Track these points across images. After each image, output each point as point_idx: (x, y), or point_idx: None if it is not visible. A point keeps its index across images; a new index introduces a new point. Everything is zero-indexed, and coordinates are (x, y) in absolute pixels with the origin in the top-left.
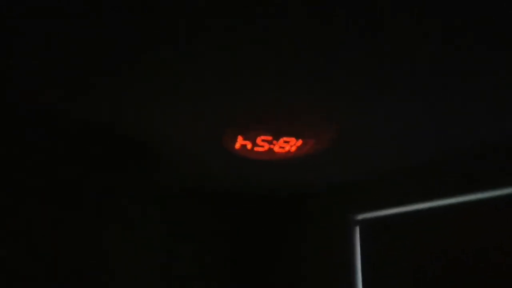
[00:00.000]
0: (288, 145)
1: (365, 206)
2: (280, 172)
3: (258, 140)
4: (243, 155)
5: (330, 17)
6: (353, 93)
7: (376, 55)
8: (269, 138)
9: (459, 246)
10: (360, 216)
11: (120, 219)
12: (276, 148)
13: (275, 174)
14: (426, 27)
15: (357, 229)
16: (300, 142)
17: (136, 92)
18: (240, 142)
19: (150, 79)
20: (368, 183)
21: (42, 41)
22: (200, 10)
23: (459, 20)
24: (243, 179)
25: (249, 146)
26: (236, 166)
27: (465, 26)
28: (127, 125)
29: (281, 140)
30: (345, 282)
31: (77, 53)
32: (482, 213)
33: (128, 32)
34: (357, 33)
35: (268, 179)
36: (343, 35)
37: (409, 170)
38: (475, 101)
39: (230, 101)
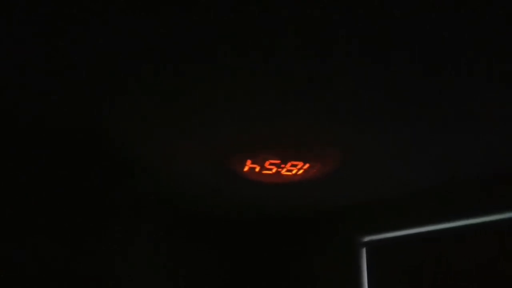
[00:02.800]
0: (296, 168)
1: (371, 228)
2: (287, 195)
3: (266, 164)
4: (251, 178)
5: (330, 49)
6: (358, 119)
7: (379, 82)
8: (277, 161)
9: (466, 269)
10: (367, 238)
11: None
12: (284, 171)
13: (282, 197)
14: (429, 57)
15: (364, 251)
16: (307, 165)
17: (143, 118)
18: (248, 165)
19: (157, 105)
20: (374, 205)
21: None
22: (212, 40)
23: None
24: (250, 203)
25: (257, 169)
26: (244, 190)
27: (474, 58)
28: (133, 150)
29: (289, 163)
30: None
31: (85, 77)
32: (489, 236)
33: (136, 53)
34: (360, 62)
35: (275, 202)
36: (346, 64)
37: (415, 193)
38: (481, 127)
39: (240, 127)
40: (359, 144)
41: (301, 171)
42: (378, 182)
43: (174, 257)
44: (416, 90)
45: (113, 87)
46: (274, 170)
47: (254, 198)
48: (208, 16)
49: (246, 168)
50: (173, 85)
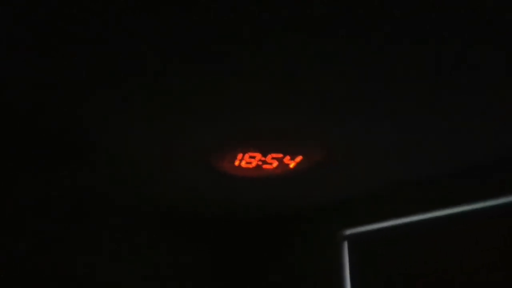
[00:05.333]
0: (276, 161)
1: (353, 221)
2: (268, 190)
3: (246, 157)
4: (230, 173)
5: (316, 35)
6: (340, 111)
7: (365, 72)
8: (257, 154)
9: (449, 260)
10: (348, 231)
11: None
12: (264, 165)
13: (263, 192)
14: (421, 46)
15: (346, 244)
16: (288, 158)
17: (120, 111)
18: (227, 159)
19: (133, 102)
20: (355, 198)
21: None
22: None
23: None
24: (229, 200)
25: (236, 162)
26: (222, 186)
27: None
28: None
29: (269, 156)
30: None
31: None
32: (470, 227)
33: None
34: (347, 49)
35: (255, 198)
36: (333, 50)
37: (396, 185)
38: (464, 117)
39: (218, 119)
40: (339, 135)
41: (282, 164)
42: (360, 174)
43: (157, 259)
44: (398, 80)
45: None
46: (254, 164)
47: (233, 195)
48: (207, 16)
49: (224, 162)
50: (148, 81)
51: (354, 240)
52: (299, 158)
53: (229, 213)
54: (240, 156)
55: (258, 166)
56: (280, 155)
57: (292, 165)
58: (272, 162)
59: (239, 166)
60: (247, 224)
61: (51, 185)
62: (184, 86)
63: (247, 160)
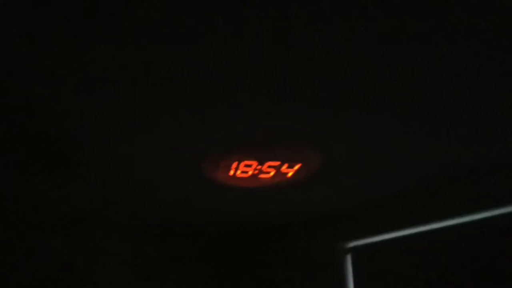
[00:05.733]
0: (273, 170)
1: (356, 233)
2: (265, 200)
3: (241, 166)
4: (225, 183)
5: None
6: (342, 116)
7: (365, 78)
8: (253, 162)
9: (457, 270)
10: (351, 244)
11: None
12: (261, 174)
13: (260, 203)
14: (418, 47)
15: (349, 257)
16: (285, 166)
17: (106, 115)
18: (221, 168)
19: (121, 102)
20: (358, 209)
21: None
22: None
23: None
24: (224, 212)
25: (231, 172)
26: (217, 197)
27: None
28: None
29: (266, 164)
30: None
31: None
32: (475, 237)
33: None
34: (345, 53)
35: (251, 209)
36: (330, 55)
37: (400, 195)
38: (465, 123)
39: (211, 125)
40: (340, 142)
41: (279, 173)
42: (362, 184)
43: (145, 276)
44: (403, 87)
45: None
46: (250, 173)
47: (229, 207)
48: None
49: (219, 172)
50: (138, 80)
51: (358, 253)
52: (297, 166)
53: (224, 225)
54: (235, 165)
55: (254, 176)
56: (278, 163)
57: (290, 174)
58: (269, 171)
59: (234, 175)
60: (243, 237)
61: (36, 197)
62: (174, 91)
63: (242, 169)
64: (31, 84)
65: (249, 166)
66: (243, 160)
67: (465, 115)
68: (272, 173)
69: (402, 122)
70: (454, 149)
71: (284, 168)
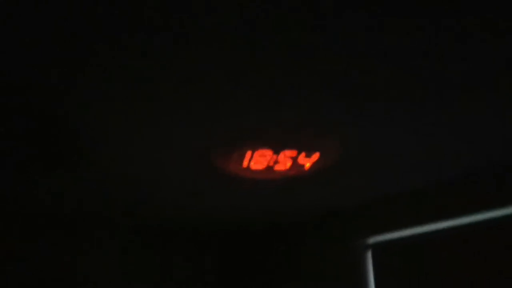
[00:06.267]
0: (290, 160)
1: (377, 228)
2: (281, 196)
3: (256, 156)
4: (238, 175)
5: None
6: (365, 103)
7: (389, 63)
8: (268, 152)
9: (481, 267)
10: (372, 240)
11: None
12: (276, 165)
13: (276, 199)
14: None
15: (369, 254)
16: (303, 156)
17: (108, 104)
18: (234, 158)
19: (122, 89)
20: (378, 203)
21: None
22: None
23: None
24: (238, 207)
25: (244, 163)
26: (230, 191)
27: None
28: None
29: (282, 154)
30: None
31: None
32: (501, 233)
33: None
34: (368, 38)
35: (267, 205)
36: (351, 37)
37: (423, 190)
38: (490, 122)
39: (222, 111)
40: (361, 130)
41: (296, 164)
42: (383, 178)
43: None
44: (431, 71)
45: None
46: (265, 164)
47: (242, 203)
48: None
49: (231, 163)
50: (140, 65)
51: (379, 249)
52: (315, 156)
53: (238, 221)
54: (249, 154)
55: (269, 167)
56: (295, 153)
57: (307, 165)
58: (285, 161)
59: (248, 167)
60: (259, 233)
61: (34, 193)
62: (182, 72)
63: (256, 160)
64: (31, 82)
65: (264, 156)
66: (257, 149)
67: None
68: (288, 164)
69: (428, 116)
70: (480, 143)
71: (301, 158)
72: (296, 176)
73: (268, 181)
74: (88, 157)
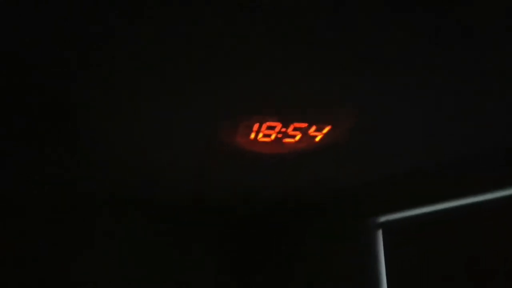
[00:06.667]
0: (299, 133)
1: (387, 207)
2: (290, 171)
3: (263, 128)
4: (245, 149)
5: None
6: (377, 77)
7: (405, 33)
8: (277, 124)
9: (494, 247)
10: (383, 218)
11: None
12: (285, 138)
13: (284, 174)
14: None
15: (380, 233)
16: (313, 129)
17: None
18: (240, 131)
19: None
20: (389, 181)
21: None
22: None
23: None
24: (247, 185)
25: (252, 135)
26: (235, 166)
27: None
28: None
29: (291, 126)
30: None
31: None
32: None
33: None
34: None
35: (275, 182)
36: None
37: (436, 167)
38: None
39: (228, 80)
40: (375, 103)
41: (305, 137)
42: (395, 154)
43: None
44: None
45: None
46: (273, 137)
47: (250, 180)
48: None
49: (238, 136)
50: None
51: (390, 228)
52: (326, 129)
53: (245, 202)
54: (256, 126)
55: (277, 140)
56: (305, 125)
57: (318, 138)
58: (294, 134)
59: (255, 139)
60: (267, 212)
61: (37, 172)
62: (186, 41)
63: (264, 132)
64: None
65: (272, 128)
66: (265, 121)
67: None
68: (298, 137)
69: (444, 90)
70: (495, 122)
71: (311, 131)
72: (305, 150)
73: (276, 155)
74: (89, 135)
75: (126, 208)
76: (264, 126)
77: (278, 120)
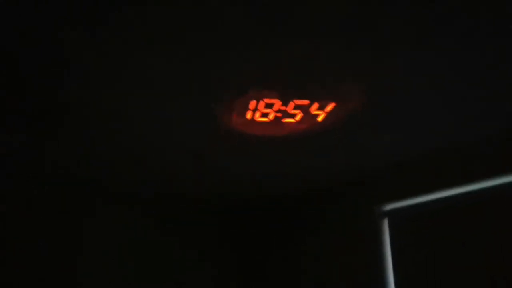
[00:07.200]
0: (300, 112)
1: (393, 194)
2: (291, 156)
3: (261, 106)
4: (243, 131)
5: None
6: (390, 45)
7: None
8: (275, 101)
9: (500, 234)
10: (389, 207)
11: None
12: (285, 118)
13: (285, 159)
14: None
15: (386, 222)
16: (315, 107)
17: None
18: (236, 109)
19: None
20: (396, 167)
21: None
22: None
23: None
24: (246, 172)
25: (248, 114)
26: (235, 152)
27: None
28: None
29: (291, 104)
30: (375, 280)
31: None
32: None
33: None
34: None
35: (276, 168)
36: None
37: (443, 152)
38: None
39: (221, 52)
40: (382, 79)
41: (307, 117)
42: (402, 138)
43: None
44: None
45: None
46: (272, 116)
47: (249, 166)
48: None
49: (234, 116)
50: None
51: (396, 216)
52: (329, 107)
53: (244, 191)
54: (253, 104)
55: (277, 120)
56: (306, 102)
57: (320, 117)
58: (295, 113)
59: (253, 119)
60: (272, 202)
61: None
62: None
63: (262, 111)
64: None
65: (270, 106)
66: (262, 98)
67: None
68: (298, 117)
69: (459, 69)
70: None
71: (313, 109)
72: (308, 131)
73: (276, 137)
74: (81, 115)
75: (126, 208)
76: (262, 103)
77: (276, 97)
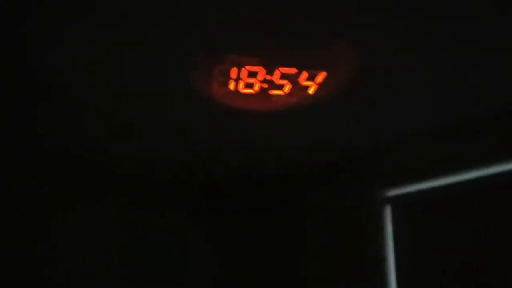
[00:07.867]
0: (288, 82)
1: (396, 180)
2: (283, 133)
3: (244, 75)
4: (226, 104)
5: None
6: (388, 13)
7: None
8: (259, 69)
9: (503, 221)
10: (391, 193)
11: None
12: (272, 89)
13: (276, 137)
14: None
15: (388, 208)
16: (304, 76)
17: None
18: (217, 78)
19: None
20: (399, 150)
21: None
22: None
23: None
24: (235, 149)
25: (231, 84)
26: (220, 127)
27: None
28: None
29: (277, 73)
30: (376, 269)
31: None
32: None
33: None
34: None
35: (267, 145)
36: None
37: (448, 133)
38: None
39: (193, 10)
40: (379, 44)
41: (296, 88)
42: (404, 117)
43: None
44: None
45: None
46: (257, 87)
47: (237, 143)
48: None
49: (214, 85)
50: None
51: (398, 203)
52: (321, 77)
53: (233, 170)
54: (234, 72)
55: (263, 91)
56: (293, 71)
57: (311, 89)
58: (282, 83)
59: (236, 91)
60: (263, 185)
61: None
62: None
63: (246, 81)
64: None
65: (254, 75)
66: (244, 65)
67: None
68: (287, 88)
69: (454, 33)
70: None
71: (302, 79)
72: (298, 105)
73: (263, 112)
74: (56, 91)
75: (124, 204)
76: (244, 71)
77: (258, 63)
